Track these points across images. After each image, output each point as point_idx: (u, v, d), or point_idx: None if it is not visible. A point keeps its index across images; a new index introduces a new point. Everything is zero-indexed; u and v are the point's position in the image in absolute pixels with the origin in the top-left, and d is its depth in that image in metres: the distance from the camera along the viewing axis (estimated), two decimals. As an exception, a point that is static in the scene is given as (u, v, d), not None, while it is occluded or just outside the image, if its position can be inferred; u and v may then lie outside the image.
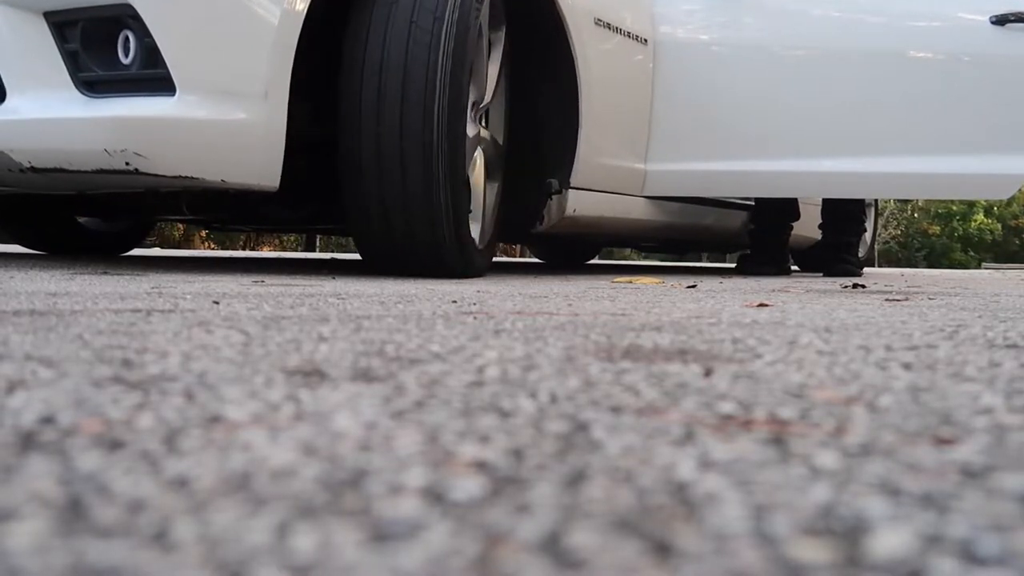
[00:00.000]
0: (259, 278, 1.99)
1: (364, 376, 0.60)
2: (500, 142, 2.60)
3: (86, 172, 1.92)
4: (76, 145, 1.89)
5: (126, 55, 1.92)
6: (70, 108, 1.90)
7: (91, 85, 1.92)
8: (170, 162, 1.88)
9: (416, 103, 2.02)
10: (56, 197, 2.74)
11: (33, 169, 1.96)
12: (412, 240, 2.14)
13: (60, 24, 1.92)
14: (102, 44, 1.92)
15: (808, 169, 3.13)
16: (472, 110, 2.35)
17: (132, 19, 1.86)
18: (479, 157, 2.42)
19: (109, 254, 3.67)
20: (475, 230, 2.37)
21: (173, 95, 1.86)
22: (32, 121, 1.91)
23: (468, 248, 2.24)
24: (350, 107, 2.08)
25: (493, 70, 2.44)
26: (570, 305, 1.34)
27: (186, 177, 1.90)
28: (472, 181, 2.39)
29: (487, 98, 2.41)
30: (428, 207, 2.08)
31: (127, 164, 1.87)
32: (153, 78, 1.88)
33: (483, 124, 2.49)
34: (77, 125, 1.88)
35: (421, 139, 2.03)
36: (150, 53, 1.87)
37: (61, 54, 1.91)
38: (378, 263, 2.32)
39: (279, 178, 1.98)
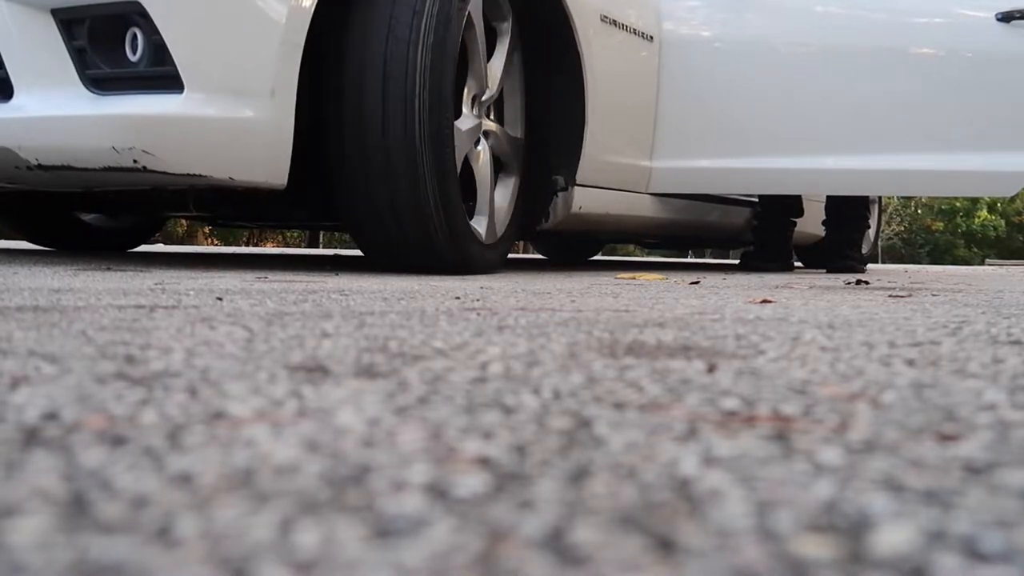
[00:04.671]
0: (262, 274, 1.99)
1: (367, 372, 0.60)
2: (517, 136, 2.59)
3: (94, 170, 1.92)
4: (84, 142, 1.89)
5: (134, 52, 1.91)
6: (77, 106, 1.90)
7: (99, 83, 1.92)
8: (178, 160, 1.88)
9: (397, 99, 2.02)
10: (62, 194, 2.74)
11: (40, 166, 1.96)
12: (404, 237, 2.14)
13: (67, 21, 1.91)
14: (110, 41, 1.92)
15: (813, 166, 3.12)
16: (474, 103, 2.35)
17: (140, 16, 1.86)
18: (483, 151, 2.40)
19: (116, 250, 3.67)
20: (481, 224, 2.36)
21: (181, 93, 1.86)
22: (39, 119, 1.91)
23: (465, 242, 2.23)
24: (335, 106, 2.08)
25: (498, 63, 2.42)
26: (573, 301, 1.34)
27: (194, 175, 1.90)
28: (477, 175, 2.38)
29: (491, 90, 2.40)
30: (415, 203, 2.08)
31: (135, 162, 1.87)
32: (161, 76, 1.88)
33: (489, 117, 2.48)
34: (85, 123, 1.88)
35: (403, 135, 2.03)
36: (158, 51, 1.87)
37: (68, 51, 1.91)
38: (377, 260, 2.33)
39: (287, 176, 1.98)
